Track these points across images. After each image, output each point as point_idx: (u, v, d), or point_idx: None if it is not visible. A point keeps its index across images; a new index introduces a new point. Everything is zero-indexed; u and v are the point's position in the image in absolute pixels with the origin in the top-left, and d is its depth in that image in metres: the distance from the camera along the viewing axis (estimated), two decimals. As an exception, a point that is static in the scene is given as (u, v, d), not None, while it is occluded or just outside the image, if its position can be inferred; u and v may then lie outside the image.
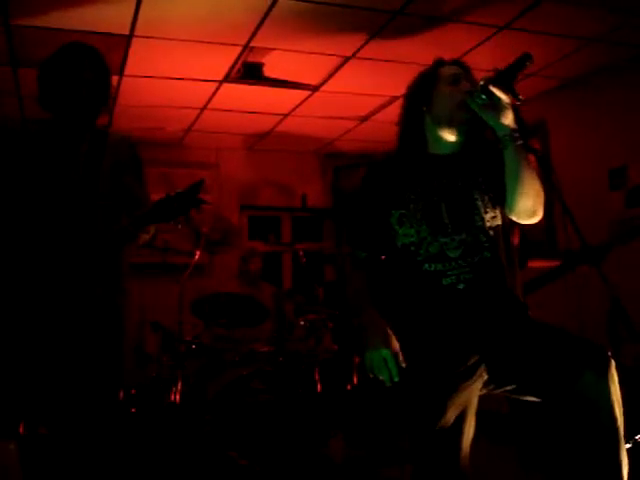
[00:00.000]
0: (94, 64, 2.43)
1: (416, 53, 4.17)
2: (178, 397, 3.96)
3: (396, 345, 2.08)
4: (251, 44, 4.08)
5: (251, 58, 4.34)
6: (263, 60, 4.39)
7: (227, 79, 4.68)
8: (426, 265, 2.11)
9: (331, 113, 5.57)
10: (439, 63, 2.26)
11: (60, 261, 2.33)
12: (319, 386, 4.15)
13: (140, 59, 4.26)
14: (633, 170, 4.38)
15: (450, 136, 2.17)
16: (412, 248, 2.13)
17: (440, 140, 2.19)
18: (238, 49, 4.16)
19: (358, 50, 4.20)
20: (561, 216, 2.45)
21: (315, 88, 4.92)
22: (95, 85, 2.42)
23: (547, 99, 4.82)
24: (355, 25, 3.83)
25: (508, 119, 1.99)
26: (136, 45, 4.03)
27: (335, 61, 4.41)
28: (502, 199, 2.12)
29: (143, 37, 3.92)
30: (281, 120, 5.76)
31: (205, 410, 3.92)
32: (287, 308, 4.91)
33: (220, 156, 6.63)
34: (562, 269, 3.34)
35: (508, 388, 2.06)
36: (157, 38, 3.95)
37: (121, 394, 3.90)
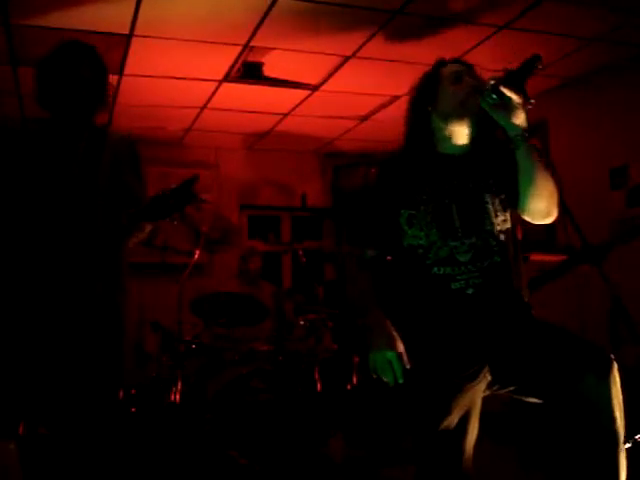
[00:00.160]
0: (91, 62, 2.43)
1: (416, 52, 4.16)
2: (178, 397, 3.95)
3: (401, 347, 2.07)
4: (251, 44, 4.08)
5: (251, 58, 4.33)
6: (263, 60, 4.39)
7: (227, 79, 4.68)
8: (435, 269, 2.09)
9: (331, 113, 5.57)
10: (440, 63, 2.25)
11: (59, 259, 2.32)
12: (319, 385, 4.15)
13: (140, 58, 4.26)
14: (634, 169, 4.38)
15: (459, 134, 2.15)
16: (420, 251, 2.11)
17: (449, 139, 2.16)
18: (238, 49, 4.16)
19: (358, 50, 4.20)
20: (561, 216, 2.44)
21: (315, 88, 4.92)
22: (92, 83, 2.41)
23: (548, 98, 4.81)
24: (355, 24, 3.83)
25: (520, 119, 1.97)
26: (136, 44, 4.03)
27: (335, 61, 4.40)
28: (513, 201, 2.10)
29: (143, 36, 3.92)
30: (281, 120, 5.76)
31: (205, 409, 3.92)
32: (287, 307, 4.90)
33: (220, 155, 6.63)
34: (566, 265, 3.34)
35: (511, 389, 2.06)
36: (157, 37, 3.94)
37: (121, 394, 3.89)
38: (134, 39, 3.95)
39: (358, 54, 4.27)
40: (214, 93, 4.99)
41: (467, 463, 2.06)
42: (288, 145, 6.63)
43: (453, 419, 2.03)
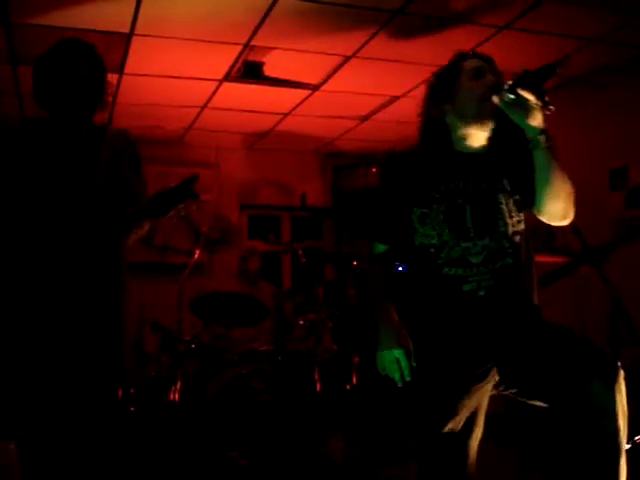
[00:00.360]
0: (89, 60, 2.42)
1: (417, 53, 4.17)
2: (177, 396, 3.95)
3: (409, 345, 2.07)
4: (251, 43, 4.08)
5: (251, 57, 4.33)
6: (263, 59, 4.38)
7: (227, 78, 4.68)
8: (446, 269, 2.07)
9: (331, 112, 5.57)
10: (461, 56, 2.19)
11: (59, 257, 2.32)
12: (318, 386, 4.15)
13: (140, 57, 4.25)
14: (634, 170, 4.38)
15: (476, 133, 2.12)
16: (432, 250, 2.09)
17: (466, 138, 2.14)
18: (238, 48, 4.16)
19: (359, 49, 4.19)
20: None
21: (315, 87, 4.91)
22: (91, 81, 2.41)
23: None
24: (356, 24, 3.83)
25: (536, 120, 1.94)
26: (136, 43, 4.03)
27: (335, 60, 4.40)
28: (528, 202, 2.09)
29: (143, 35, 3.92)
30: (281, 119, 5.75)
31: (204, 409, 3.92)
32: (287, 307, 4.90)
33: (220, 155, 6.62)
34: (567, 267, 3.33)
35: (516, 390, 2.06)
36: (157, 37, 3.94)
37: (120, 393, 3.89)
38: (134, 38, 3.95)
39: (359, 54, 4.27)
40: (214, 92, 4.98)
41: (471, 464, 2.06)
42: (288, 145, 6.62)
43: (460, 420, 2.03)
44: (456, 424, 2.03)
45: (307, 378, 4.16)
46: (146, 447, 3.71)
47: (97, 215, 2.41)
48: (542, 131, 1.96)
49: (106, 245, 2.40)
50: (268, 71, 4.55)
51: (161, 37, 3.95)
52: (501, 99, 1.95)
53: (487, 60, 2.16)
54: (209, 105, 5.30)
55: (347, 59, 4.37)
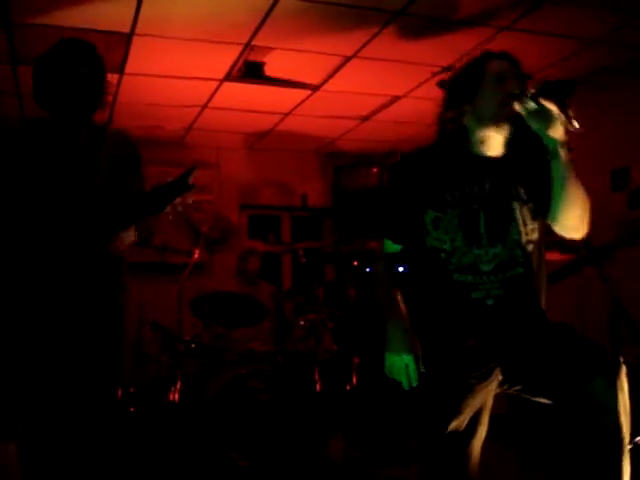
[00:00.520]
0: (89, 60, 2.42)
1: (418, 53, 4.16)
2: (177, 396, 3.95)
3: (418, 350, 2.06)
4: (252, 43, 4.08)
5: (252, 57, 4.33)
6: (264, 59, 4.38)
7: (228, 78, 4.68)
8: (456, 275, 2.06)
9: (332, 112, 5.57)
10: (486, 56, 2.14)
11: (58, 257, 2.32)
12: (318, 386, 4.15)
13: (141, 57, 4.25)
14: (636, 171, 4.38)
15: (493, 136, 2.10)
16: (443, 255, 2.07)
17: (483, 141, 2.11)
18: (239, 48, 4.16)
19: (359, 50, 4.19)
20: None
21: (316, 87, 4.91)
22: (90, 81, 2.40)
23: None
24: (357, 25, 3.82)
25: (557, 132, 1.91)
26: (137, 43, 4.03)
27: (336, 60, 4.40)
28: (543, 210, 2.07)
29: (144, 35, 3.91)
30: (282, 119, 5.75)
31: (204, 409, 3.91)
32: (287, 308, 4.91)
33: (220, 155, 6.62)
34: (571, 267, 3.33)
35: (520, 387, 2.06)
36: (158, 36, 3.94)
37: (120, 393, 3.89)
38: (135, 38, 3.95)
39: (359, 54, 4.27)
40: (215, 92, 4.98)
41: (474, 463, 2.06)
42: (289, 145, 6.62)
43: (464, 419, 2.03)
44: (460, 423, 2.02)
45: (307, 378, 4.16)
46: (146, 447, 3.71)
47: (96, 216, 2.40)
48: (562, 143, 1.94)
49: (105, 246, 2.39)
50: (269, 71, 4.55)
51: (162, 37, 3.95)
52: (523, 107, 1.92)
53: (512, 62, 2.12)
54: (210, 105, 5.30)
55: (348, 59, 4.37)
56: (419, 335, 2.10)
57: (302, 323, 4.47)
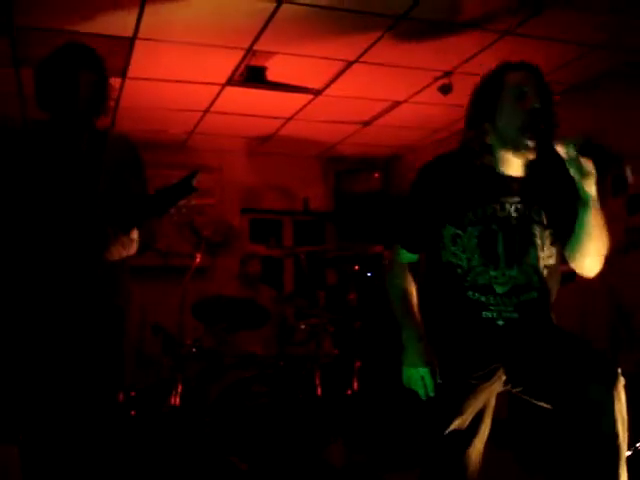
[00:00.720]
0: (91, 64, 2.42)
1: (419, 58, 4.17)
2: (178, 400, 3.95)
3: (434, 362, 2.04)
4: (254, 48, 4.09)
5: (254, 62, 4.34)
6: (266, 64, 4.39)
7: (230, 82, 4.69)
8: (470, 292, 2.06)
9: (334, 117, 5.57)
10: (505, 67, 2.09)
11: (60, 260, 2.32)
12: (319, 390, 4.14)
13: (143, 62, 4.26)
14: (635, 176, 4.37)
15: (515, 160, 2.06)
16: (459, 271, 2.07)
17: (505, 161, 2.07)
18: (241, 53, 4.17)
19: (361, 55, 4.20)
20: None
21: (318, 92, 4.92)
22: (93, 85, 2.41)
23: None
24: (358, 30, 3.83)
25: (590, 188, 1.88)
26: (139, 47, 4.04)
27: (338, 65, 4.41)
28: (562, 239, 2.07)
29: (146, 40, 3.93)
30: (284, 124, 5.76)
31: (205, 413, 3.92)
32: (288, 312, 4.90)
33: (222, 159, 6.63)
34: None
35: (522, 389, 2.07)
36: (160, 41, 3.95)
37: (121, 396, 3.90)
38: (137, 42, 3.96)
39: (362, 59, 4.28)
40: (217, 97, 4.99)
41: (475, 463, 2.07)
42: (291, 149, 6.63)
43: (466, 419, 2.04)
44: (462, 422, 2.03)
45: (308, 382, 4.16)
46: (147, 451, 3.71)
47: (98, 220, 2.41)
48: (593, 198, 1.91)
49: (99, 249, 2.38)
50: (271, 76, 4.56)
51: (164, 41, 3.96)
52: (565, 151, 1.88)
53: (533, 71, 2.07)
54: (212, 109, 5.31)
55: (350, 64, 4.38)
56: (433, 344, 2.09)
57: (303, 327, 4.47)
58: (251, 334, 4.62)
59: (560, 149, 1.88)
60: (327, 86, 4.79)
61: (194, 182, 2.30)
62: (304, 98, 5.05)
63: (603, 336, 3.62)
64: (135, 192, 2.50)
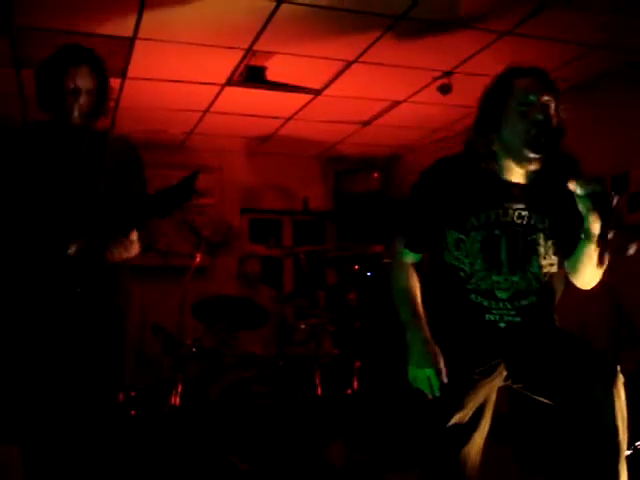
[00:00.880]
0: (91, 65, 2.42)
1: (419, 58, 4.17)
2: (178, 400, 3.95)
3: (440, 363, 2.02)
4: (254, 48, 4.09)
5: (254, 62, 4.34)
6: (266, 64, 4.39)
7: (230, 82, 4.69)
8: (472, 296, 2.08)
9: (333, 117, 5.58)
10: (513, 73, 2.06)
11: (60, 261, 2.32)
12: (319, 390, 4.15)
13: (143, 62, 4.26)
14: (635, 175, 4.38)
15: (520, 168, 2.06)
16: (462, 274, 2.08)
17: (511, 169, 2.07)
18: (241, 52, 4.17)
19: (361, 55, 4.20)
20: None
21: (318, 92, 4.92)
22: (93, 86, 2.41)
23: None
24: (358, 29, 3.83)
25: (595, 227, 1.88)
26: (139, 48, 4.04)
27: (338, 65, 4.41)
28: (564, 248, 2.08)
29: (146, 40, 3.93)
30: (283, 124, 5.76)
31: (205, 413, 3.92)
32: (288, 312, 4.90)
33: (222, 159, 6.63)
34: None
35: (523, 385, 2.09)
36: (160, 41, 3.95)
37: (121, 396, 3.90)
38: (137, 42, 3.96)
39: (361, 59, 4.28)
40: (217, 97, 4.99)
41: (475, 458, 2.07)
42: (290, 149, 6.63)
43: (466, 413, 2.04)
44: (463, 417, 2.03)
45: (308, 382, 4.16)
46: (147, 451, 3.71)
47: (98, 221, 2.41)
48: (595, 236, 1.90)
49: (100, 250, 2.38)
50: (270, 76, 4.56)
51: (164, 41, 3.96)
52: (576, 190, 1.88)
53: (541, 76, 2.06)
54: (211, 109, 5.31)
55: (349, 64, 4.38)
56: (435, 341, 2.08)
57: (303, 327, 4.48)
58: (251, 334, 4.62)
59: (572, 185, 1.88)
60: (327, 86, 4.79)
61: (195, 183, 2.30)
62: (304, 98, 5.05)
63: (603, 336, 3.62)
64: (135, 193, 2.51)
